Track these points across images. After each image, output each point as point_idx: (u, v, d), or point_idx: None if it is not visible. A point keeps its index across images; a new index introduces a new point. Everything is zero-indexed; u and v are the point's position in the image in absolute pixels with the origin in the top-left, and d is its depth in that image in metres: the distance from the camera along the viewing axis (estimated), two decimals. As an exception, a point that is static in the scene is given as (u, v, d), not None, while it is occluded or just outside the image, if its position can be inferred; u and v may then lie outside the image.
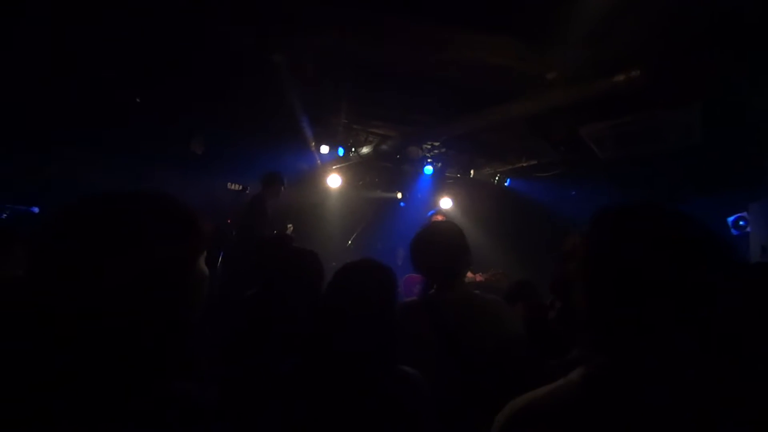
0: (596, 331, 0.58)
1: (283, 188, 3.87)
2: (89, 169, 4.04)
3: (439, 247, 1.45)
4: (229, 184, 4.18)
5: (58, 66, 3.28)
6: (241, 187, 4.20)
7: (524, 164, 4.97)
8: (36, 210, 3.71)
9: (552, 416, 0.55)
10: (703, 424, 0.50)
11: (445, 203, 5.34)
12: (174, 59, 3.29)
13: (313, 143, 4.69)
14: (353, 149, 4.95)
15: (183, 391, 0.57)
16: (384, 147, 4.80)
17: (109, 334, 0.52)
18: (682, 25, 2.38)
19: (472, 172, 5.57)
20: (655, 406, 0.51)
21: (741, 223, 3.81)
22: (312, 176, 5.35)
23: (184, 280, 0.60)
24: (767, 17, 2.19)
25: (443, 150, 5.05)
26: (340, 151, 4.90)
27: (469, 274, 3.29)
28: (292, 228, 4.06)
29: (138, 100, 3.93)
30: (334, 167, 5.29)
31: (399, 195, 6.06)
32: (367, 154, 4.97)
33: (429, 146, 4.99)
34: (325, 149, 4.79)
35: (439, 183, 5.63)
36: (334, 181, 5.24)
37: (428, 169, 5.21)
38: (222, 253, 3.49)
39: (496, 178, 5.54)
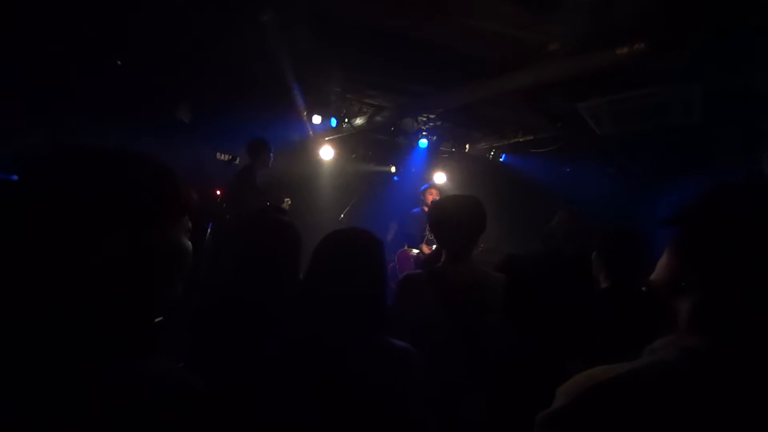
0: (709, 311, 0.54)
1: (271, 156, 3.75)
2: (71, 136, 3.87)
3: (464, 219, 1.47)
4: (218, 153, 4.04)
5: (35, 25, 3.07)
6: (230, 158, 4.07)
7: (520, 139, 4.90)
8: (15, 178, 3.56)
9: (642, 395, 0.50)
10: None
11: (439, 178, 5.28)
12: (160, 20, 3.10)
13: (305, 113, 4.54)
14: (346, 120, 4.82)
15: (160, 366, 0.53)
16: (378, 118, 4.67)
17: (72, 306, 0.48)
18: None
19: (467, 146, 5.49)
20: (759, 398, 0.48)
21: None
22: (303, 147, 5.21)
23: (158, 250, 0.54)
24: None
25: (439, 123, 4.95)
26: (333, 122, 4.76)
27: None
28: (289, 202, 3.95)
29: (119, 62, 3.72)
30: (326, 138, 5.16)
31: (393, 169, 5.98)
32: (361, 126, 4.84)
33: (425, 118, 4.88)
34: (317, 119, 4.65)
35: (434, 157, 5.55)
36: (326, 152, 5.12)
37: (423, 143, 5.11)
38: (210, 227, 3.40)
39: (491, 153, 5.47)
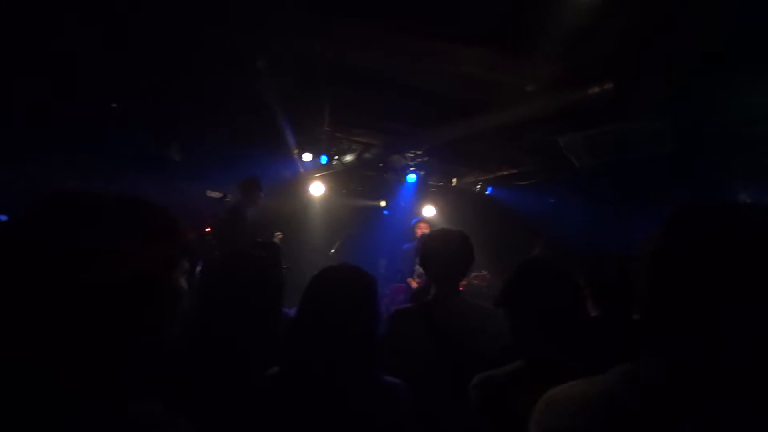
0: (661, 329, 0.58)
1: (261, 194, 3.80)
2: (63, 176, 3.89)
3: (453, 254, 1.50)
4: (208, 191, 4.08)
5: (29, 69, 3.17)
6: (221, 195, 4.10)
7: (504, 173, 5.07)
8: (4, 218, 3.52)
9: (593, 408, 0.55)
10: None
11: (428, 211, 5.37)
12: (154, 62, 3.23)
13: (296, 150, 4.65)
14: (336, 157, 4.94)
15: (143, 411, 0.53)
16: (367, 155, 4.81)
17: (67, 346, 0.48)
18: (653, 41, 2.49)
19: (454, 180, 5.64)
20: (706, 413, 0.50)
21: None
22: (294, 184, 5.29)
23: (155, 293, 0.55)
24: (731, 40, 2.32)
25: (426, 158, 5.10)
26: (323, 159, 4.88)
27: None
28: (281, 236, 3.95)
29: (114, 105, 3.82)
30: (317, 175, 5.26)
31: (383, 203, 6.07)
32: (351, 163, 4.96)
33: (412, 155, 5.03)
34: (307, 157, 4.76)
35: (423, 191, 5.67)
36: (317, 189, 5.21)
37: (411, 178, 5.25)
38: (200, 265, 3.36)
39: (478, 186, 5.61)
